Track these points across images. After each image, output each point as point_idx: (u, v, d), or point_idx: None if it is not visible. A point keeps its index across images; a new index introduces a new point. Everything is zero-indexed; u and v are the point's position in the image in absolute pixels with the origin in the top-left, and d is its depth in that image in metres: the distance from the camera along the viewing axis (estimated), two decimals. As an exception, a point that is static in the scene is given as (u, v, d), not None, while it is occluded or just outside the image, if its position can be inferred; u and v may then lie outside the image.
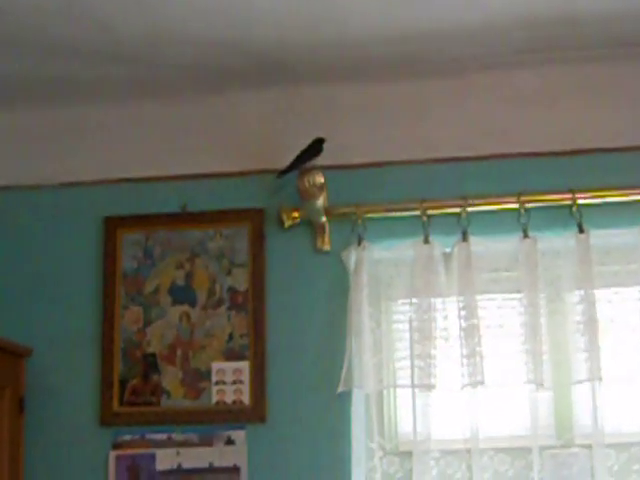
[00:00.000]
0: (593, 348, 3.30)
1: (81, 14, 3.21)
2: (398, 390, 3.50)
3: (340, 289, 3.50)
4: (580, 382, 3.32)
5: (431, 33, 3.34)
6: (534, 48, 3.44)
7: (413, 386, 3.38)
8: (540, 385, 3.32)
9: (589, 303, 3.34)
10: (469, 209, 3.45)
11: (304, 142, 3.51)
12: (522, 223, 3.42)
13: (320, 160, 3.50)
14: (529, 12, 3.23)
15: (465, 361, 3.35)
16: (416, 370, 3.37)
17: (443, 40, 3.38)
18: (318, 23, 3.28)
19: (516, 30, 3.32)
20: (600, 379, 3.28)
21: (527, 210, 3.42)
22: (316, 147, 3.48)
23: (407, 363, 3.40)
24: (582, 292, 3.35)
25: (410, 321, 3.45)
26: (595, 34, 3.36)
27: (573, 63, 3.49)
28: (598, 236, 3.40)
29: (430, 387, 3.36)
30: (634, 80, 3.50)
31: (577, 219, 3.39)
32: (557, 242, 3.43)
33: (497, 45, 3.42)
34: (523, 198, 3.43)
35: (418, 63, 3.52)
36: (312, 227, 3.56)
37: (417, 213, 3.48)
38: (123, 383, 3.57)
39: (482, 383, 3.32)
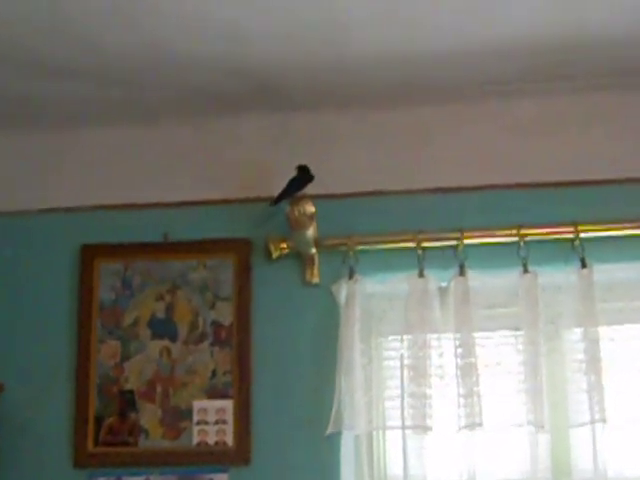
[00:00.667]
0: (597, 388, 3.16)
1: (62, 30, 3.06)
2: (390, 431, 3.35)
3: (330, 324, 3.38)
4: (583, 425, 3.18)
5: (431, 57, 3.23)
6: (537, 75, 3.34)
7: (408, 427, 3.22)
8: (540, 427, 3.18)
9: (592, 341, 3.21)
10: (466, 242, 3.35)
11: (294, 170, 3.38)
12: (522, 257, 3.31)
13: (310, 189, 3.38)
14: (533, 37, 3.12)
15: (462, 401, 3.22)
16: (410, 410, 3.23)
17: (443, 65, 3.27)
18: (315, 47, 3.17)
19: (519, 56, 3.22)
20: (604, 421, 3.15)
21: (527, 243, 3.32)
22: (306, 174, 3.36)
23: (401, 403, 3.25)
24: (584, 330, 3.23)
25: (401, 358, 3.31)
26: (599, 61, 3.26)
27: (576, 92, 3.40)
28: (601, 271, 3.28)
29: (426, 429, 3.21)
30: (639, 109, 3.41)
31: (579, 253, 3.29)
32: (558, 277, 3.31)
33: (499, 71, 3.31)
34: (523, 231, 3.32)
35: (416, 89, 3.41)
36: (301, 259, 3.44)
37: (412, 245, 3.37)
38: (99, 421, 3.42)
39: (480, 425, 3.18)
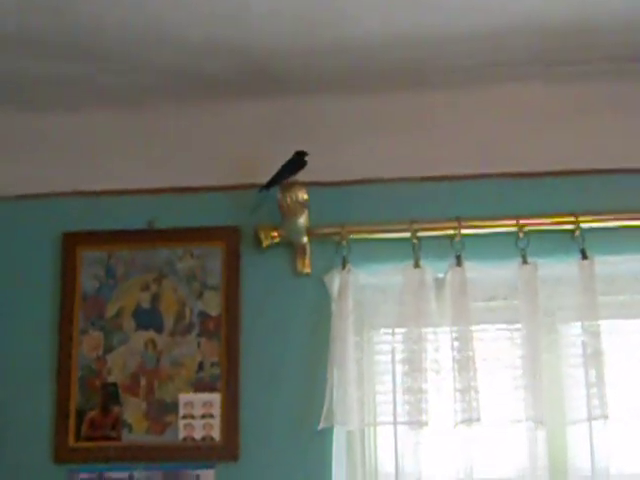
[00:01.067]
0: (598, 384, 3.08)
1: (47, 5, 2.91)
2: (384, 427, 3.24)
3: (322, 316, 3.29)
4: (584, 421, 3.09)
5: (432, 39, 3.12)
6: (543, 59, 3.24)
7: (403, 423, 3.13)
8: (540, 423, 3.10)
9: (593, 335, 3.13)
10: (464, 231, 3.26)
11: (285, 157, 3.29)
12: (521, 248, 3.23)
13: (302, 176, 3.28)
14: (538, 20, 3.02)
15: (459, 396, 3.13)
16: (406, 406, 3.14)
17: (443, 48, 3.17)
18: (311, 27, 3.05)
19: (525, 38, 3.11)
20: (606, 417, 3.07)
21: (526, 234, 3.23)
22: (300, 160, 3.26)
23: (397, 397, 3.17)
24: (585, 323, 3.14)
25: (392, 352, 3.23)
26: (603, 47, 3.17)
27: (580, 79, 3.30)
28: (603, 263, 3.20)
29: (421, 424, 3.12)
30: (643, 97, 3.35)
31: (580, 244, 3.21)
32: (558, 269, 3.23)
33: (502, 55, 3.21)
34: (522, 221, 3.24)
35: (414, 73, 3.31)
36: (292, 248, 3.35)
37: (407, 235, 3.27)
38: (80, 415, 3.32)
39: (478, 420, 3.09)
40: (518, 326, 3.19)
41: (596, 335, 3.13)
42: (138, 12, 2.96)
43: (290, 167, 3.26)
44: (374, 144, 3.38)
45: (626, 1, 2.96)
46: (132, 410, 3.31)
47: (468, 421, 3.10)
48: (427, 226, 3.28)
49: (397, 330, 3.27)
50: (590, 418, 3.10)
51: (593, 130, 3.31)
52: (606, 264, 3.21)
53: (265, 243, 3.35)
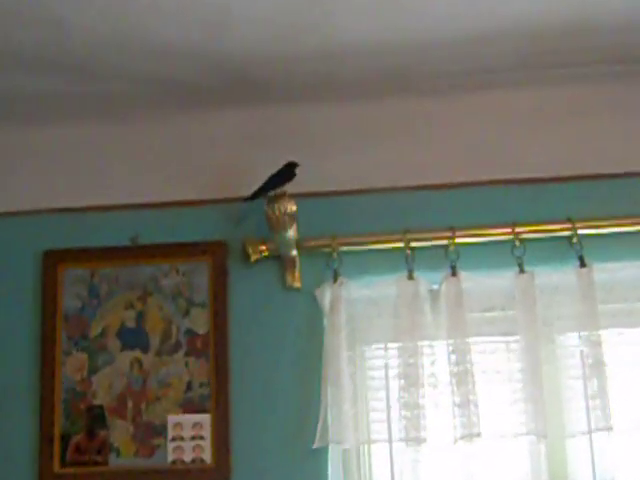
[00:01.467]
0: (602, 395, 3.01)
1: (19, 12, 2.82)
2: (381, 445, 3.15)
3: (313, 331, 3.22)
4: (586, 433, 3.01)
5: (421, 45, 3.05)
6: (531, 64, 3.18)
7: (401, 440, 3.04)
8: (542, 437, 3.02)
9: (594, 345, 3.05)
10: (458, 241, 3.19)
11: (273, 168, 3.21)
12: (517, 256, 3.16)
13: (291, 187, 3.20)
14: (530, 23, 2.95)
15: (457, 411, 3.04)
16: (403, 422, 3.05)
17: (433, 53, 3.10)
18: (295, 32, 2.98)
19: (516, 41, 3.05)
20: (610, 429, 2.99)
21: (522, 242, 3.16)
22: (289, 172, 3.18)
23: (394, 414, 3.09)
24: (586, 333, 3.07)
25: (386, 367, 3.17)
26: (598, 49, 3.11)
27: (573, 82, 3.25)
28: (601, 270, 3.13)
29: (420, 441, 3.03)
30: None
31: (578, 251, 3.14)
32: (556, 277, 3.16)
33: (493, 59, 3.15)
34: (518, 229, 3.18)
35: (402, 80, 3.24)
36: (281, 262, 3.27)
37: (400, 245, 3.20)
38: (65, 439, 3.23)
39: (478, 435, 3.00)
40: (516, 337, 3.11)
41: (597, 345, 3.06)
42: (116, 18, 2.87)
43: (277, 178, 3.18)
44: (363, 153, 3.32)
45: (618, 1, 2.89)
46: (119, 433, 3.22)
47: (468, 436, 3.01)
48: (420, 236, 3.21)
49: (390, 345, 3.19)
50: (592, 430, 3.02)
51: (589, 134, 3.25)
52: (605, 271, 3.14)
53: (253, 257, 3.27)
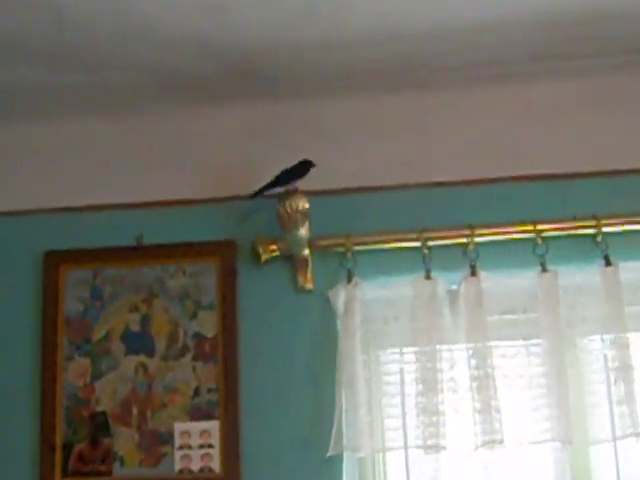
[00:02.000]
0: (629, 400, 2.90)
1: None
2: (398, 452, 3.04)
3: (327, 334, 3.13)
4: (612, 440, 2.91)
5: (432, 34, 2.95)
6: (551, 53, 3.07)
7: (420, 447, 2.94)
8: (567, 443, 2.92)
9: (621, 347, 2.95)
10: (477, 239, 3.09)
11: (283, 164, 3.14)
12: (539, 255, 3.06)
13: (303, 184, 3.13)
14: (545, 10, 2.84)
15: (478, 417, 2.94)
16: (422, 428, 2.95)
17: (447, 43, 3.00)
18: (303, 21, 2.87)
19: (531, 31, 2.94)
20: (639, 435, 2.87)
21: (545, 240, 3.07)
22: (301, 169, 3.10)
23: (411, 420, 2.99)
24: (612, 335, 2.97)
25: (401, 372, 3.07)
26: (624, 36, 2.99)
27: (595, 72, 3.15)
28: (628, 269, 3.03)
29: (439, 448, 2.93)
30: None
31: (603, 250, 3.05)
32: (580, 277, 3.06)
33: (509, 50, 3.05)
34: (540, 226, 3.08)
35: (418, 70, 3.14)
36: (293, 262, 3.19)
37: (417, 244, 3.11)
38: (67, 448, 3.16)
39: (501, 442, 2.90)
40: (539, 340, 3.01)
41: (624, 347, 2.95)
42: (114, 2, 2.77)
43: (288, 174, 3.10)
44: (378, 148, 3.23)
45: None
46: (123, 441, 3.15)
47: (490, 443, 2.91)
48: (438, 234, 3.12)
49: (405, 349, 3.10)
50: (619, 437, 2.91)
51: (613, 128, 3.15)
52: (631, 271, 3.04)
53: (263, 257, 3.19)
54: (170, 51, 3.00)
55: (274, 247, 3.19)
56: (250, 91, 3.22)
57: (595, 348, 3.03)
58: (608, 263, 3.04)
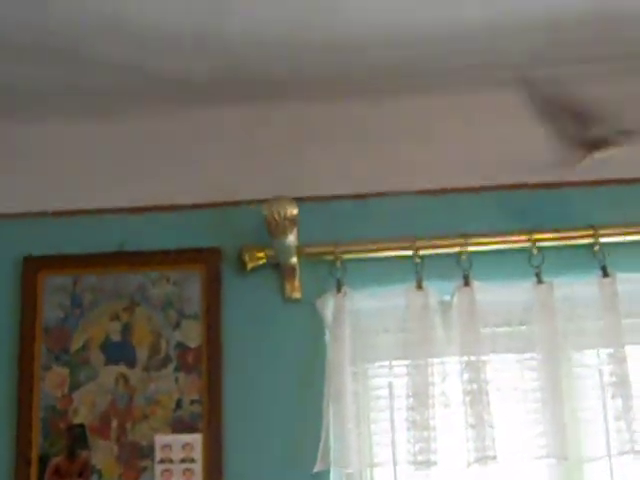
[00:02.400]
0: (627, 416, 2.83)
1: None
2: (387, 468, 2.98)
3: (314, 345, 3.06)
4: (611, 456, 2.84)
5: (429, 36, 2.88)
6: (547, 58, 3.00)
7: (410, 463, 2.86)
8: (563, 459, 2.85)
9: (618, 361, 2.88)
10: (471, 249, 3.04)
11: (270, 170, 3.11)
12: (535, 266, 3.00)
13: (291, 191, 3.05)
14: (547, 12, 2.78)
15: (471, 432, 2.86)
16: (412, 443, 2.87)
17: (445, 46, 2.93)
18: (295, 24, 2.81)
19: (531, 35, 2.88)
20: (636, 452, 2.81)
21: (540, 250, 3.01)
22: None
23: (401, 435, 2.92)
24: (608, 349, 2.91)
25: (390, 386, 3.01)
26: (629, 39, 2.93)
27: (597, 77, 3.05)
28: (625, 281, 2.98)
29: (430, 464, 2.86)
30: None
31: (600, 260, 2.99)
32: (577, 288, 3.00)
33: (506, 54, 2.98)
34: (535, 236, 3.03)
35: (411, 75, 3.07)
36: (280, 270, 3.12)
37: (408, 253, 3.06)
38: (43, 461, 3.07)
39: (494, 458, 2.83)
40: (534, 353, 2.95)
41: (622, 362, 2.89)
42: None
43: None
44: (368, 154, 3.18)
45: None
46: (102, 455, 3.06)
47: (483, 459, 2.84)
48: (430, 243, 3.07)
49: (394, 362, 3.04)
50: (615, 454, 2.85)
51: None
52: (629, 282, 2.99)
53: (250, 265, 3.13)
54: (160, 52, 2.93)
55: (261, 255, 3.13)
56: (240, 94, 3.14)
57: (591, 362, 2.96)
58: (605, 274, 2.99)
